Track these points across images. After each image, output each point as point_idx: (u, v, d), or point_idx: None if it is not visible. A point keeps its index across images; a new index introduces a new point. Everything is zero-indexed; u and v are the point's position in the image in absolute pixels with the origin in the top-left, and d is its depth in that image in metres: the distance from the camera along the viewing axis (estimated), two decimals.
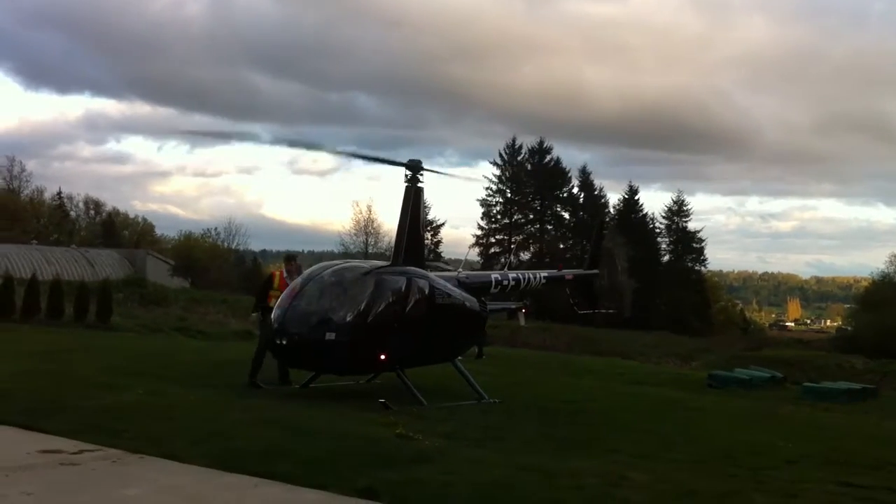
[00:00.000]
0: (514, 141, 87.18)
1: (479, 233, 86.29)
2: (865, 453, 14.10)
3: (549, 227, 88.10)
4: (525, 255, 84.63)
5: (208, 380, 17.50)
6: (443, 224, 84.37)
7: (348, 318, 15.70)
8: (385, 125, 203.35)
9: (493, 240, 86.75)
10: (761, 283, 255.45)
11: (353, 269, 17.12)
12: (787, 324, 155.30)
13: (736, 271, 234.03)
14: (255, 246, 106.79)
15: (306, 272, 17.84)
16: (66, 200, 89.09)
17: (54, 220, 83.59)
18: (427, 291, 17.09)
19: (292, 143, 23.99)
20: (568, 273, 25.20)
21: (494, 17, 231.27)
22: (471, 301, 18.51)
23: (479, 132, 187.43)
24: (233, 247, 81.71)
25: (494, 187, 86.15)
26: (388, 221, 76.47)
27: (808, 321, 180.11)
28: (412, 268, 17.32)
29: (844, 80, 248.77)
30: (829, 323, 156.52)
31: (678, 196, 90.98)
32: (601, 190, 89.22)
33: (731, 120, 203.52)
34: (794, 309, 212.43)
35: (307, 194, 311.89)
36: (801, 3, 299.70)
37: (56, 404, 12.09)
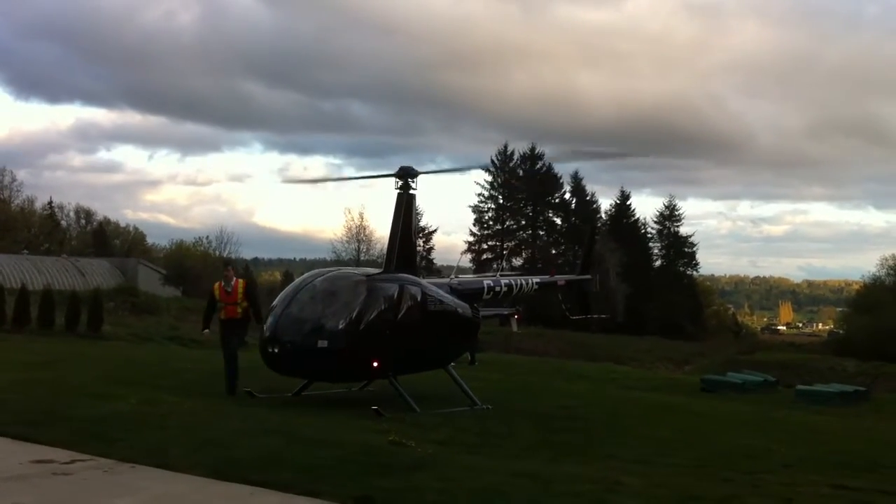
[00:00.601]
0: (505, 147, 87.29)
1: (471, 239, 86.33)
2: (859, 455, 14.13)
3: (542, 232, 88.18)
4: (517, 261, 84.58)
5: (202, 388, 17.44)
6: (435, 230, 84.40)
7: (340, 326, 15.68)
8: (379, 132, 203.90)
9: (485, 246, 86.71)
10: (753, 287, 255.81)
11: (345, 276, 17.12)
12: (779, 327, 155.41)
13: (728, 275, 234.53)
14: (247, 254, 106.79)
15: (298, 279, 17.85)
16: (56, 210, 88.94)
17: (45, 230, 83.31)
18: (419, 298, 17.07)
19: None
20: (560, 279, 25.23)
21: (488, 24, 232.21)
22: (463, 307, 18.50)
23: (473, 139, 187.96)
24: (224, 255, 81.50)
25: (487, 193, 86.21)
26: (381, 228, 76.39)
27: (800, 325, 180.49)
28: (404, 274, 17.31)
29: (836, 84, 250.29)
30: (821, 326, 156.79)
31: (670, 201, 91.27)
32: (593, 195, 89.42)
33: (722, 125, 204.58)
34: (786, 312, 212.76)
35: (299, 202, 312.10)
36: (794, 8, 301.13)
37: (49, 414, 12.03)
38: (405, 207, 17.74)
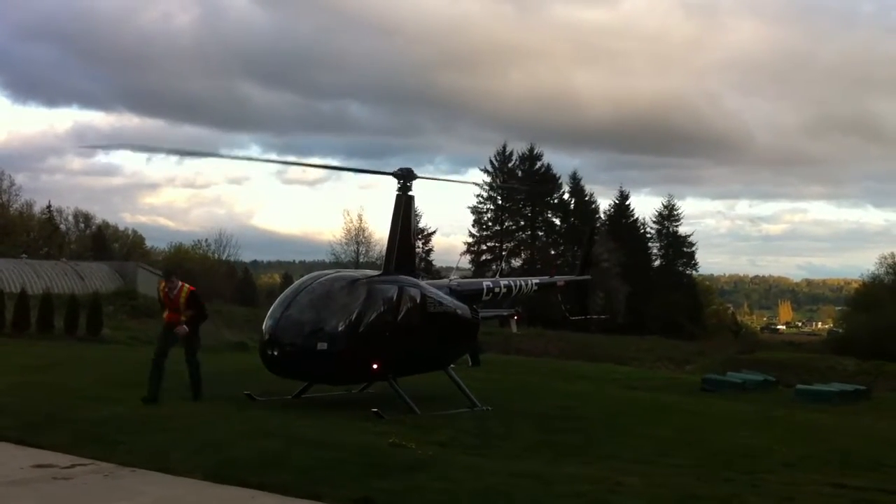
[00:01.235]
0: (504, 148, 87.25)
1: (470, 240, 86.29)
2: (860, 455, 14.13)
3: (541, 233, 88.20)
4: (516, 262, 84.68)
5: (202, 391, 17.40)
6: (434, 232, 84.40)
7: (340, 328, 15.66)
8: (376, 133, 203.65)
9: (484, 247, 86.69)
10: (752, 286, 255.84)
11: (344, 278, 17.09)
12: (778, 327, 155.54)
13: (727, 275, 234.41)
14: (247, 256, 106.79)
15: (297, 282, 17.81)
16: (55, 214, 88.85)
17: (44, 234, 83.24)
18: (419, 300, 17.07)
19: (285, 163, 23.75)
20: (560, 279, 25.22)
21: (485, 24, 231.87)
22: (462, 309, 18.49)
23: (471, 139, 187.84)
24: (224, 258, 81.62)
25: (485, 194, 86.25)
26: (380, 230, 76.39)
27: (800, 324, 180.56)
28: (404, 276, 17.31)
29: (833, 82, 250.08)
30: (820, 325, 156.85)
31: (669, 200, 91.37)
32: (592, 195, 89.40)
33: (720, 123, 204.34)
34: (786, 312, 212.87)
35: (298, 204, 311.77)
36: (789, 6, 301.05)
37: (49, 418, 12.04)
38: (404, 209, 17.73)
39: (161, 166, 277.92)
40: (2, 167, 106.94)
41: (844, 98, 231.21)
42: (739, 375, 30.18)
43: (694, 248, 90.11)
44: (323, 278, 16.79)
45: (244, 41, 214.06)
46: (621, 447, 13.35)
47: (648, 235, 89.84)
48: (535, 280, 23.42)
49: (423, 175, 18.08)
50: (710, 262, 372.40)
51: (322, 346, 15.38)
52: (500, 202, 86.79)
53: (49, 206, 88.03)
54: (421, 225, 77.50)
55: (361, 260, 71.34)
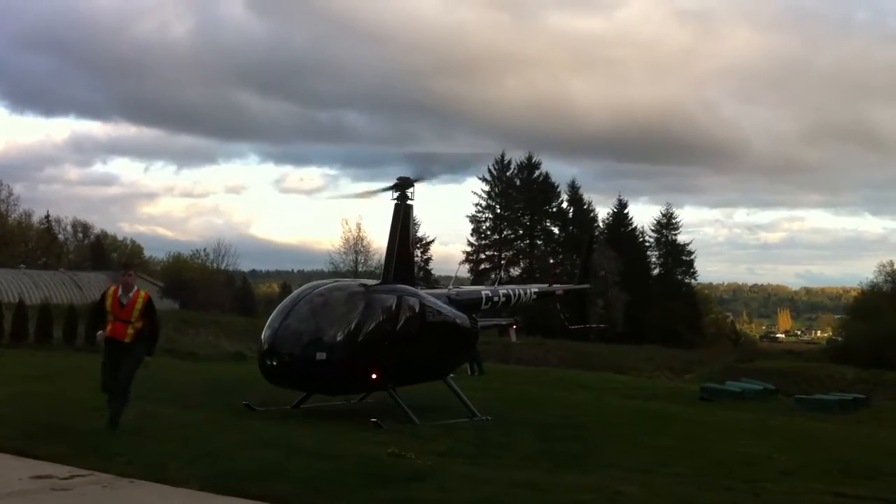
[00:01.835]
0: (503, 156, 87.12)
1: (468, 249, 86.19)
2: (859, 463, 14.13)
3: (539, 242, 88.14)
4: (515, 271, 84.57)
5: (200, 401, 17.39)
6: (432, 241, 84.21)
7: (339, 338, 15.66)
8: (374, 142, 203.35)
9: (482, 256, 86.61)
10: (751, 294, 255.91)
11: (342, 288, 17.09)
12: (777, 335, 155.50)
13: (726, 283, 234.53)
14: (245, 266, 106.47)
15: (296, 291, 17.79)
16: (54, 224, 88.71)
17: (42, 244, 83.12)
18: (417, 309, 17.07)
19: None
20: (559, 288, 25.23)
21: (481, 32, 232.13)
22: (461, 318, 18.49)
23: (469, 147, 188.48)
24: (222, 267, 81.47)
25: (484, 203, 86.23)
26: (378, 239, 76.36)
27: (799, 332, 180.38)
28: (402, 286, 17.31)
29: (831, 89, 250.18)
30: (819, 334, 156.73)
31: (667, 209, 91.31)
32: (590, 204, 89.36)
33: (717, 131, 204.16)
34: (785, 320, 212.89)
35: (296, 213, 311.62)
36: (786, 13, 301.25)
37: (49, 428, 12.00)
38: (402, 218, 17.74)
39: (159, 176, 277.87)
40: (0, 177, 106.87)
41: (841, 106, 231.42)
42: (738, 384, 30.16)
43: (693, 257, 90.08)
44: (321, 288, 16.79)
45: (241, 50, 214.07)
46: (621, 456, 13.33)
47: (647, 244, 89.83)
48: (534, 289, 23.43)
49: (421, 181, 18.08)
50: (709, 270, 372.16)
51: (321, 355, 15.38)
52: (498, 211, 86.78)
53: (47, 216, 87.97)
54: (419, 234, 77.47)
55: (360, 269, 71.23)
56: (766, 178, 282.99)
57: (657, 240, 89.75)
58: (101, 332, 12.74)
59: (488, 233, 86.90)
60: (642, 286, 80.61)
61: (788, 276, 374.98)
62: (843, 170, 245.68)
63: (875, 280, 78.43)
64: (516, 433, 15.59)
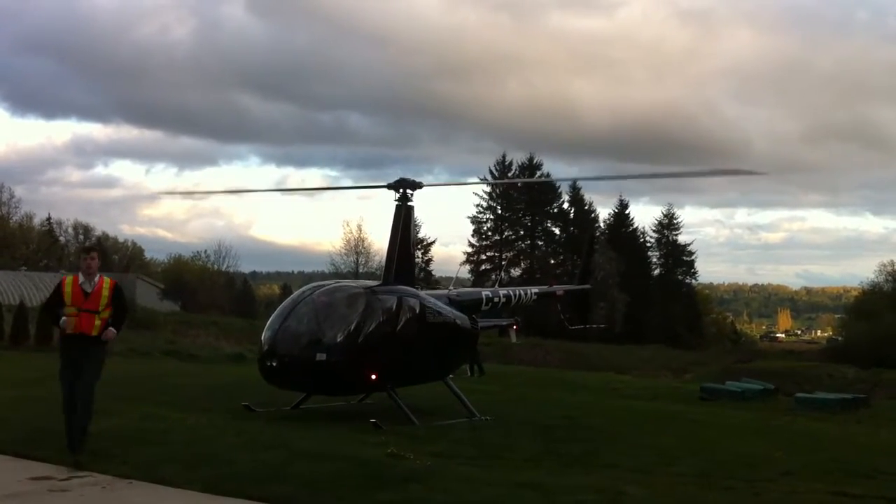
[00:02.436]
0: (504, 157, 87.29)
1: (469, 250, 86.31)
2: (859, 463, 14.09)
3: (540, 242, 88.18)
4: (516, 272, 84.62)
5: (201, 403, 17.39)
6: (433, 242, 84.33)
7: (338, 339, 15.64)
8: (375, 144, 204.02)
9: (483, 257, 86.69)
10: (752, 294, 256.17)
11: (343, 289, 17.07)
12: (778, 335, 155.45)
13: (726, 283, 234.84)
14: (245, 267, 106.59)
15: (296, 293, 17.78)
16: (55, 226, 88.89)
17: (44, 246, 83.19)
18: (418, 310, 17.06)
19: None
20: (559, 289, 25.22)
21: (481, 34, 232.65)
22: (462, 319, 18.48)
23: (469, 149, 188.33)
24: (223, 269, 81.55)
25: (485, 204, 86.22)
26: (379, 241, 76.34)
27: (799, 332, 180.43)
28: (403, 287, 17.30)
29: (831, 89, 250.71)
30: (819, 333, 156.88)
31: (668, 209, 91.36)
32: (591, 205, 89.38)
33: (717, 131, 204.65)
34: (785, 320, 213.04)
35: (296, 215, 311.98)
36: (786, 14, 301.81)
37: (48, 431, 11.97)
38: (403, 219, 17.73)
39: (160, 178, 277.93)
40: (2, 180, 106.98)
41: (842, 106, 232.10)
42: (738, 384, 30.11)
43: (693, 257, 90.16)
44: (322, 289, 16.77)
45: (241, 53, 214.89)
46: (622, 456, 13.31)
47: (648, 244, 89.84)
48: (535, 290, 23.42)
49: (423, 183, 18.05)
50: (710, 270, 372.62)
51: (321, 356, 15.36)
52: (499, 212, 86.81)
53: (49, 219, 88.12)
54: (420, 235, 77.56)
55: (361, 270, 71.27)
56: (766, 179, 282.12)
57: (658, 240, 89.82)
58: (65, 318, 10.62)
59: (489, 234, 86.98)
60: (643, 286, 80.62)
61: (789, 276, 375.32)
62: (843, 170, 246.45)
63: (876, 280, 78.56)
64: (517, 434, 15.57)
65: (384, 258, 18.87)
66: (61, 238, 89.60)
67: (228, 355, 35.32)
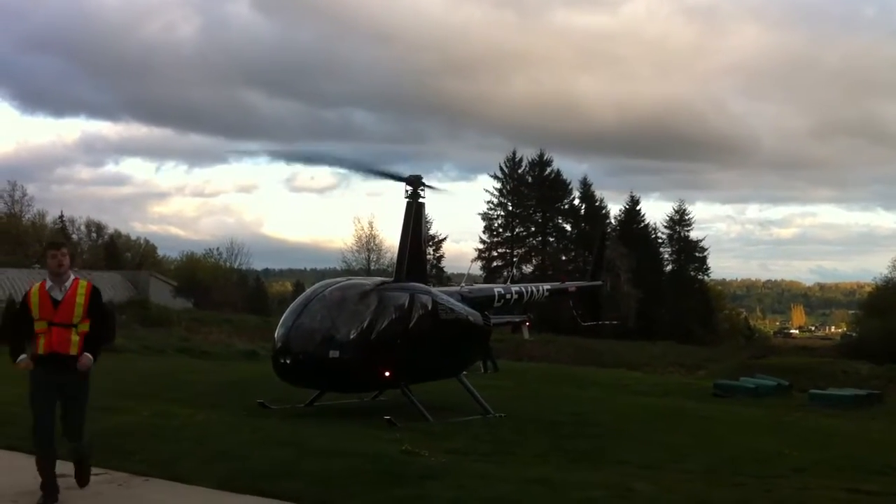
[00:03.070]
0: (514, 154, 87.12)
1: (480, 246, 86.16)
2: (873, 459, 14.08)
3: (551, 239, 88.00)
4: (527, 268, 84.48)
5: (214, 400, 17.49)
6: (444, 239, 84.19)
7: (352, 336, 15.70)
8: (383, 141, 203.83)
9: (495, 253, 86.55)
10: (765, 290, 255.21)
11: (355, 286, 17.12)
12: (791, 331, 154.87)
13: (739, 279, 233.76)
14: (258, 265, 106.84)
15: (309, 290, 17.83)
16: (67, 224, 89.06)
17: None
18: (430, 307, 17.10)
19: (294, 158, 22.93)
20: (571, 285, 25.23)
21: (486, 30, 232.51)
22: (474, 315, 18.52)
23: (478, 145, 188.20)
24: (235, 266, 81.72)
25: (496, 200, 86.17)
26: (390, 237, 76.40)
27: (813, 328, 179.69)
28: (415, 283, 17.34)
29: (840, 84, 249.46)
30: (833, 329, 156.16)
31: (679, 205, 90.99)
32: (602, 201, 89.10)
33: (727, 127, 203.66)
34: (799, 316, 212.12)
35: (307, 212, 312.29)
36: (793, 9, 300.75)
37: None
38: (414, 216, 17.77)
39: (170, 175, 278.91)
40: (13, 178, 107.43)
41: (850, 101, 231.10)
42: (752, 381, 30.06)
43: (705, 253, 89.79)
44: (334, 286, 16.83)
45: (248, 50, 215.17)
46: (633, 453, 13.33)
47: (660, 241, 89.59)
48: (547, 286, 23.45)
49: (431, 185, 18.09)
50: (722, 266, 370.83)
51: (334, 353, 15.42)
52: (510, 208, 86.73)
53: (61, 216, 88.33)
54: (431, 232, 77.53)
55: (373, 267, 71.35)
56: (776, 174, 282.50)
57: (669, 236, 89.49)
58: (23, 356, 8.35)
59: (500, 230, 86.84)
60: (655, 283, 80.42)
61: (802, 271, 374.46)
62: (853, 165, 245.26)
63: (889, 275, 78.06)
64: (529, 430, 15.61)
65: (396, 255, 18.91)
66: (74, 236, 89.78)
67: (242, 352, 35.43)
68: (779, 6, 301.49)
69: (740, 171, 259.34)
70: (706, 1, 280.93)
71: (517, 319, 22.99)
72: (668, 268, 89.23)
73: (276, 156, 28.12)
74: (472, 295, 19.39)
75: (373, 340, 15.82)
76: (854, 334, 76.59)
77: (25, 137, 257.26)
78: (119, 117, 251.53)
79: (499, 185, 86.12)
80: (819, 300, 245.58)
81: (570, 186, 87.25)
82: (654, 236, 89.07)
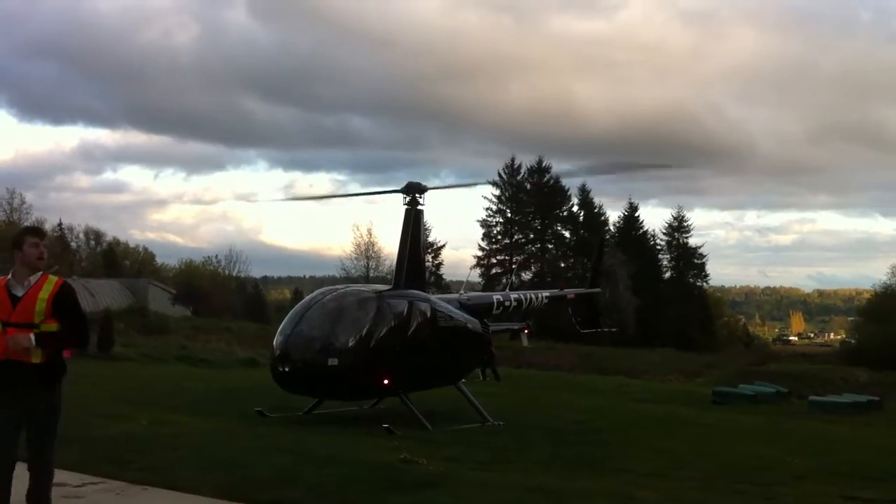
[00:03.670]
0: (513, 161, 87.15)
1: (479, 254, 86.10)
2: (872, 466, 14.07)
3: (550, 246, 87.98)
4: (526, 276, 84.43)
5: (212, 408, 17.45)
6: (443, 246, 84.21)
7: (350, 343, 15.67)
8: (381, 147, 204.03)
9: (494, 260, 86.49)
10: (764, 297, 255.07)
11: (354, 293, 17.11)
12: (790, 338, 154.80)
13: (738, 286, 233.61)
14: (257, 272, 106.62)
15: (308, 297, 17.81)
16: (66, 231, 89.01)
17: (55, 252, 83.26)
18: (429, 314, 17.08)
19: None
20: (570, 292, 25.23)
21: (484, 36, 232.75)
22: (473, 323, 18.50)
23: (476, 151, 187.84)
24: (234, 274, 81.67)
25: (494, 207, 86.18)
26: (389, 245, 76.43)
27: (812, 335, 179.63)
28: (414, 291, 17.32)
29: (838, 89, 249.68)
30: (832, 336, 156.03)
31: (678, 212, 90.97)
32: (601, 207, 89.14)
33: (725, 133, 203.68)
34: (798, 322, 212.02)
35: (306, 219, 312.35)
36: (790, 14, 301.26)
37: (60, 436, 12.03)
38: (413, 223, 17.77)
39: (169, 182, 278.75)
40: (12, 185, 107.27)
41: (847, 106, 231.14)
42: (751, 387, 30.08)
43: (704, 260, 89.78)
44: (333, 294, 16.81)
45: (247, 57, 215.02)
46: (634, 460, 13.31)
47: (658, 247, 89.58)
48: (546, 293, 23.44)
49: (432, 186, 18.12)
50: (721, 273, 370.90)
51: (333, 361, 15.40)
52: (509, 215, 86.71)
53: (60, 224, 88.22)
54: (430, 239, 77.51)
55: (371, 274, 71.32)
56: (774, 180, 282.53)
57: (668, 243, 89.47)
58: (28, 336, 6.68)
59: (499, 237, 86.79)
60: (654, 289, 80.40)
61: (800, 278, 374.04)
62: (851, 171, 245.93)
63: (888, 281, 77.99)
64: (529, 438, 15.58)
65: (394, 262, 18.90)
66: (73, 243, 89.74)
67: (241, 360, 35.38)
68: (776, 11, 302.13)
69: (738, 177, 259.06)
70: (703, 6, 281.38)
71: (516, 326, 22.98)
72: (667, 274, 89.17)
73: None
74: (471, 302, 19.38)
75: (372, 348, 15.79)
76: (853, 341, 76.39)
77: (24, 145, 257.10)
78: (117, 125, 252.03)
79: (498, 192, 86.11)
80: (818, 307, 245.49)
81: (568, 193, 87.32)
82: (652, 243, 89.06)
